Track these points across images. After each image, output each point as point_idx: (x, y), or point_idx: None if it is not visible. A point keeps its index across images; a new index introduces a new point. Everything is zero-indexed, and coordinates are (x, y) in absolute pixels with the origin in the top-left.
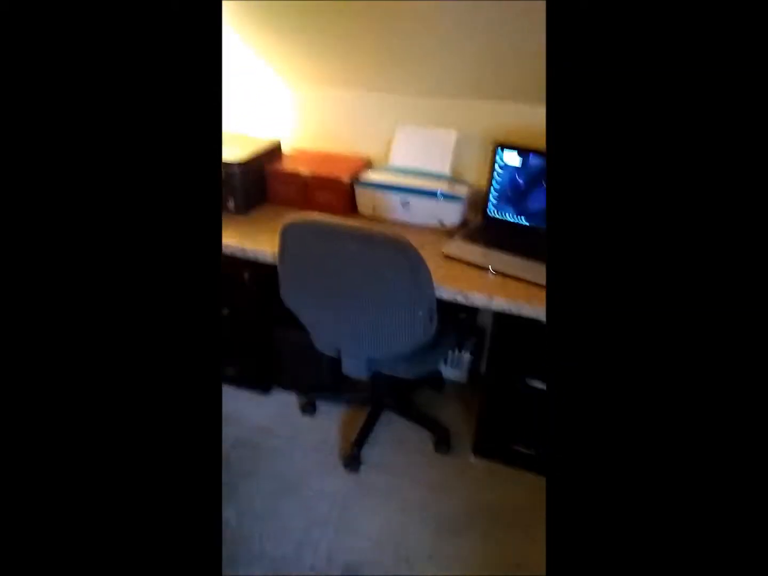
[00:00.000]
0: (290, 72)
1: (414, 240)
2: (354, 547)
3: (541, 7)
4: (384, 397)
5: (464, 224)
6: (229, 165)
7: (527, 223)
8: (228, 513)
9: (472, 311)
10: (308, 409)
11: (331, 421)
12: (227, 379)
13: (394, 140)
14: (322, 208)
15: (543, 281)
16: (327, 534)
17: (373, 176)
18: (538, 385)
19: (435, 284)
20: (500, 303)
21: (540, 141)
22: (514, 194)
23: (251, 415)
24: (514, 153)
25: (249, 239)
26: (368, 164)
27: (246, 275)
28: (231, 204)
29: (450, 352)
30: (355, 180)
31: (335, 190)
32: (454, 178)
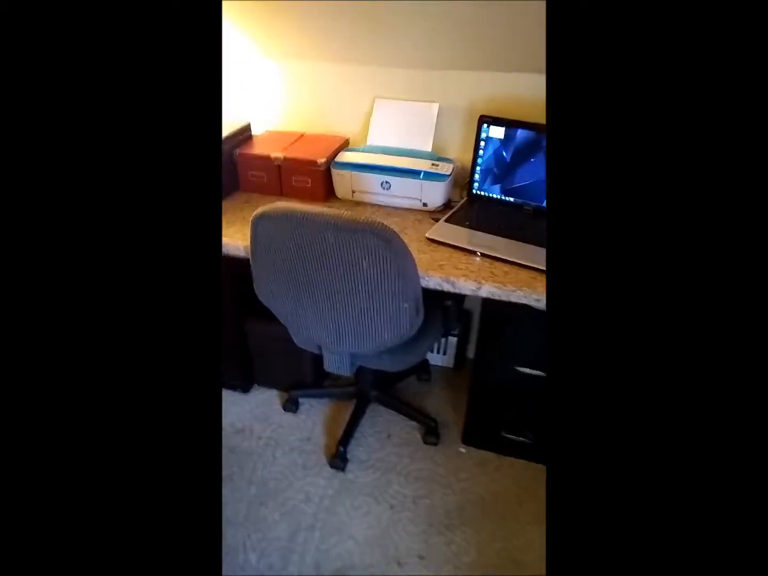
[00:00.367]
0: (262, 40)
1: (396, 223)
2: (342, 551)
3: None
4: (369, 390)
5: (448, 204)
6: None
7: (514, 201)
8: None
9: (459, 297)
10: (289, 406)
11: (314, 418)
12: None
13: (372, 116)
14: (297, 194)
15: (532, 263)
16: (313, 540)
17: (350, 157)
18: (529, 371)
19: (420, 273)
20: (489, 289)
21: (525, 111)
22: (500, 170)
23: (229, 415)
24: (500, 126)
25: None
26: (345, 144)
27: None
28: None
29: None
30: (332, 162)
31: (310, 173)
32: (437, 156)
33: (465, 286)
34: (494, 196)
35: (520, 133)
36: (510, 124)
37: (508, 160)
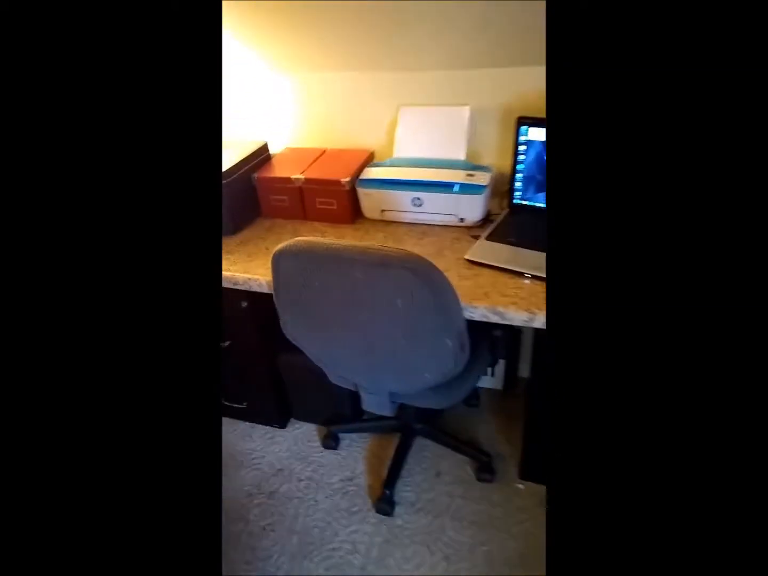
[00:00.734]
0: (274, 55)
1: (432, 243)
2: None
3: None
4: (413, 422)
5: (487, 217)
6: None
7: None
8: None
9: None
10: (329, 442)
11: (356, 455)
12: (238, 415)
13: (397, 126)
14: (322, 217)
15: None
16: None
17: (376, 173)
18: None
19: (462, 304)
20: (544, 320)
21: None
22: (545, 176)
23: (267, 454)
24: (542, 128)
25: (240, 266)
26: (371, 158)
27: (244, 303)
28: None
29: None
30: (357, 179)
31: (335, 194)
32: (472, 164)
33: (515, 316)
34: (539, 205)
35: None
36: None
37: None
